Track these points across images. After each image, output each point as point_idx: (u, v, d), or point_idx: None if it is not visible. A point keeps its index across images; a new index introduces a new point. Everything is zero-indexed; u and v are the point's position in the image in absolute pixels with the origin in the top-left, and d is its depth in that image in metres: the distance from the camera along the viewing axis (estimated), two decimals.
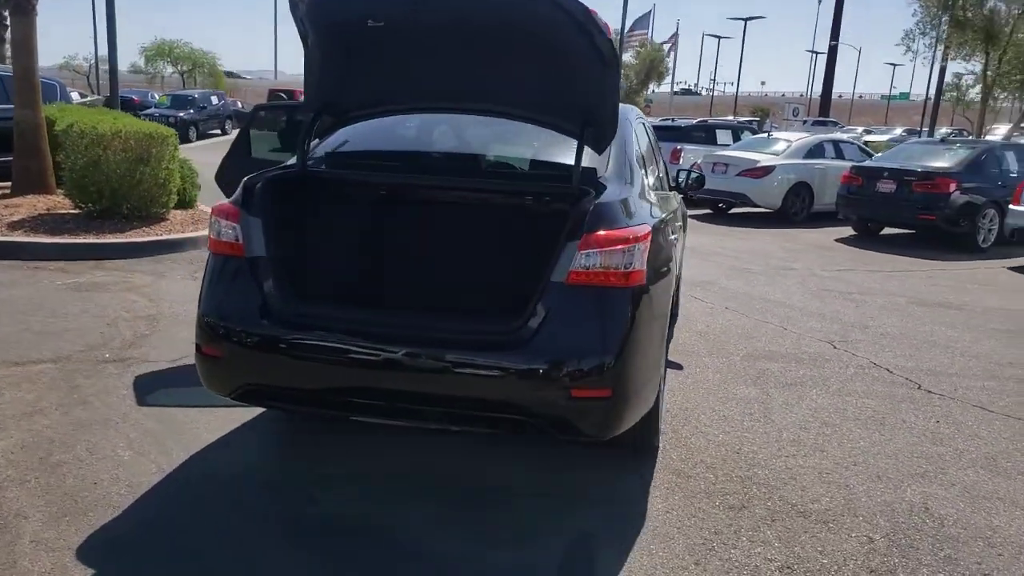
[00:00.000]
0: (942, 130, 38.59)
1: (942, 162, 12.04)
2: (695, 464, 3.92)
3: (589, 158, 3.59)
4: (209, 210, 10.14)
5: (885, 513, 3.51)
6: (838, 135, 18.06)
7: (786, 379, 5.35)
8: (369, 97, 3.91)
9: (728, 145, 16.74)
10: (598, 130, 3.53)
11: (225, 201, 3.52)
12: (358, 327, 3.24)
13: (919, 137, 37.83)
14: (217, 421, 4.13)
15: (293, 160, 3.91)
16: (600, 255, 3.07)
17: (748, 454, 4.08)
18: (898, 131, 41.26)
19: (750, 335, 6.44)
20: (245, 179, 3.55)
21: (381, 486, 3.54)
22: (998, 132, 32.23)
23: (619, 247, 3.09)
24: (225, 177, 5.40)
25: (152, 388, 4.60)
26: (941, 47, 29.37)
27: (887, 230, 13.17)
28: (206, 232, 9.20)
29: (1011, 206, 10.76)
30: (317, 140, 4.05)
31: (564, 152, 3.78)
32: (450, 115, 4.22)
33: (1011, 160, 12.35)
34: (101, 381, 4.65)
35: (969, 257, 11.31)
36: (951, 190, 11.38)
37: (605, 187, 3.42)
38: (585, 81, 3.42)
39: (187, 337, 5.48)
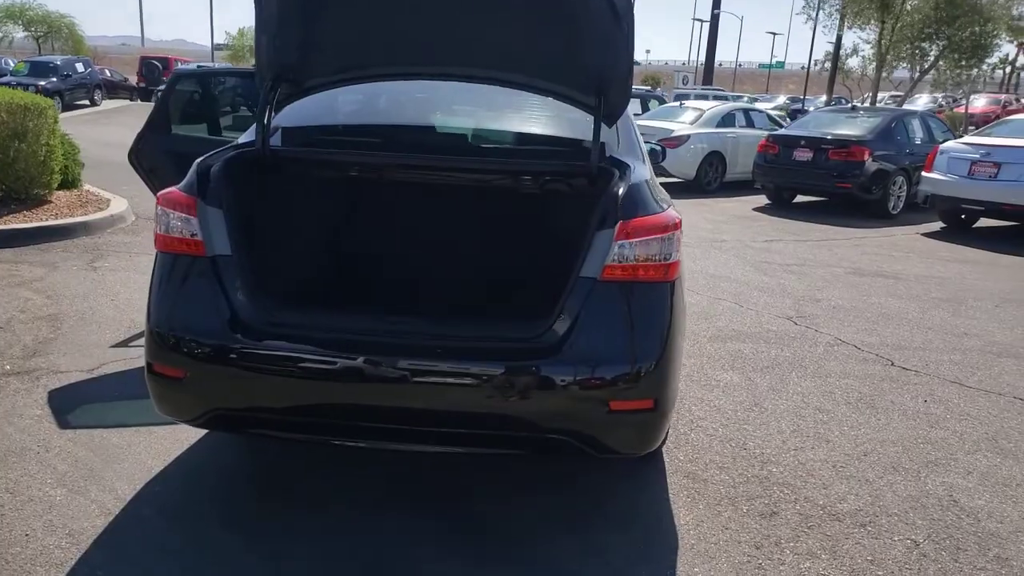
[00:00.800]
0: (822, 98, 40.03)
1: (855, 130, 12.23)
2: (705, 465, 3.62)
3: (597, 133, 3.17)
4: (94, 190, 9.20)
5: (916, 510, 3.31)
6: (746, 104, 18.24)
7: (761, 362, 5.14)
8: (336, 61, 3.35)
9: (637, 115, 16.62)
10: (612, 97, 3.10)
11: (173, 188, 2.92)
12: (351, 337, 2.74)
13: (802, 105, 39.11)
14: (161, 442, 3.53)
15: (244, 137, 3.32)
16: (639, 245, 2.68)
17: (755, 449, 3.81)
18: (781, 99, 42.57)
19: (708, 314, 6.21)
20: (198, 162, 2.97)
21: (368, 513, 3.06)
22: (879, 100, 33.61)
23: (659, 236, 2.70)
24: (142, 157, 4.70)
25: (72, 406, 3.93)
26: (838, 16, 30.29)
27: (799, 198, 13.34)
28: (100, 215, 8.31)
29: (924, 173, 11.01)
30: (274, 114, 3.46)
31: (570, 125, 3.35)
32: (432, 82, 3.69)
33: (916, 128, 12.68)
34: (7, 400, 3.94)
35: (881, 224, 11.55)
36: (865, 158, 11.57)
37: (627, 166, 3.01)
38: (595, 38, 2.97)
39: (99, 340, 4.79)
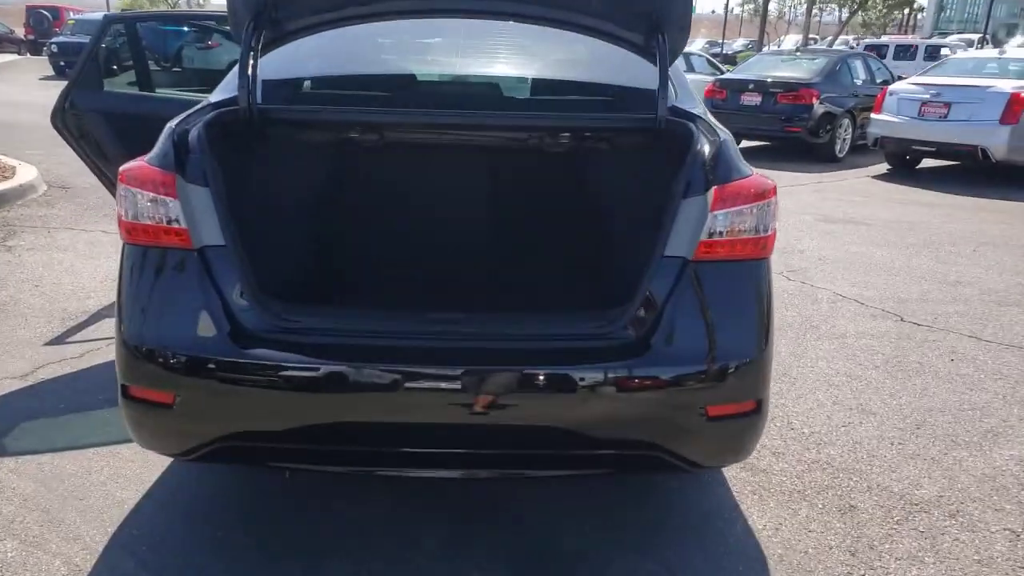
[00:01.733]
0: (740, 41, 40.16)
1: (802, 73, 12.00)
2: (759, 452, 3.24)
3: (650, 78, 2.67)
4: None
5: (999, 492, 3.01)
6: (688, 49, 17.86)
7: None
8: None
9: None
10: (672, 35, 2.60)
11: (140, 162, 2.30)
12: (386, 341, 2.21)
13: (720, 49, 39.14)
14: (128, 465, 2.93)
15: (218, 94, 2.69)
16: (737, 216, 2.22)
17: (802, 428, 3.46)
18: (700, 43, 42.51)
19: None
20: (171, 127, 2.35)
21: (390, 539, 2.56)
22: (789, 41, 33.85)
23: (758, 203, 2.25)
24: (69, 119, 3.96)
25: (7, 425, 3.26)
26: None
27: (744, 143, 13.11)
28: (6, 185, 7.27)
29: (873, 115, 10.87)
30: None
31: (616, 70, 2.83)
32: (444, 22, 3.10)
33: (860, 70, 12.54)
34: None
35: (829, 168, 11.41)
36: (814, 101, 11.37)
37: (698, 117, 2.53)
38: None
39: (29, 337, 4.06)
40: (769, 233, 2.27)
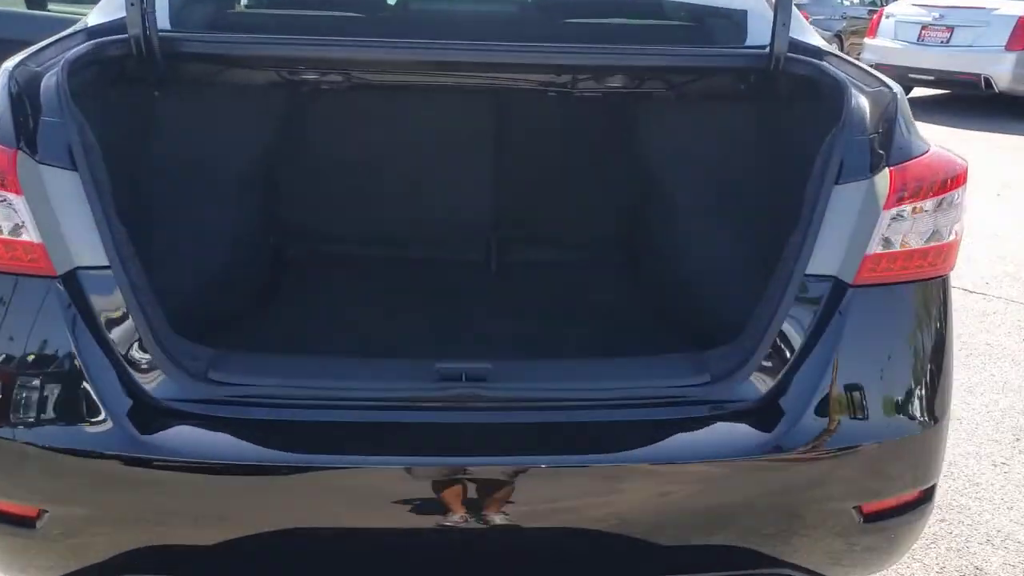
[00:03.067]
0: None
1: None
2: None
3: None
4: None
5: None
6: None
7: None
8: None
9: None
10: None
11: None
12: (372, 411, 1.44)
13: None
14: None
15: (96, 16, 1.79)
16: (922, 213, 1.45)
17: None
18: None
19: None
20: (8, 69, 1.47)
21: None
22: None
23: (947, 194, 1.48)
24: None
25: None
26: None
27: None
28: None
29: (867, 40, 10.08)
30: None
31: None
32: None
33: None
34: None
35: None
36: None
37: (838, 58, 1.74)
38: None
39: None
40: (953, 238, 1.51)
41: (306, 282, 2.45)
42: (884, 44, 9.86)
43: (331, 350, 1.97)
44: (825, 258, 1.45)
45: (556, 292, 2.47)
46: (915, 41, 9.56)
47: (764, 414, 1.45)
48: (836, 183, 1.45)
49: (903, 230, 1.44)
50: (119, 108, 1.68)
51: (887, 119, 1.49)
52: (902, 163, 1.45)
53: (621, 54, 1.76)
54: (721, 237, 2.13)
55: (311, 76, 1.99)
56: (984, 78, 9.06)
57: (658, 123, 2.18)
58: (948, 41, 9.31)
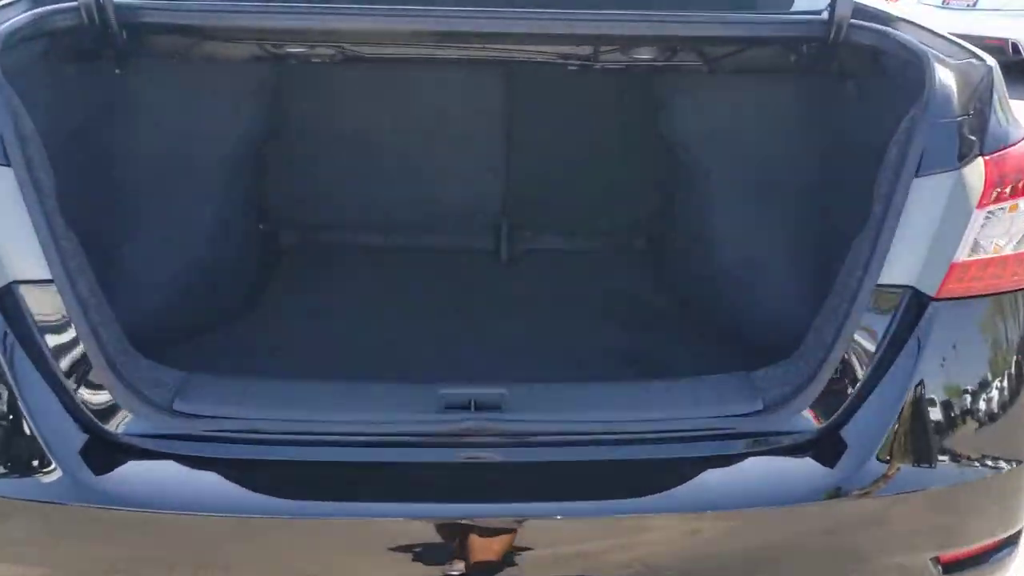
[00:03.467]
0: None
1: None
2: None
3: None
4: None
5: None
6: None
7: None
8: None
9: None
10: None
11: None
12: (366, 446, 1.24)
13: None
14: None
15: None
16: (1017, 216, 1.23)
17: None
18: None
19: None
20: None
21: None
22: None
23: None
24: None
25: None
26: None
27: None
28: None
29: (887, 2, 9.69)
30: None
31: None
32: None
33: None
34: None
35: None
36: None
37: (913, 25, 1.51)
38: None
39: None
40: None
41: (299, 276, 2.25)
42: (906, 8, 9.47)
43: (323, 359, 1.77)
44: (901, 266, 1.22)
45: (573, 285, 2.26)
46: (940, 5, 9.18)
47: (824, 448, 1.24)
48: (916, 175, 1.22)
49: (997, 232, 1.21)
50: (71, 90, 1.45)
51: (979, 98, 1.25)
52: (999, 151, 1.21)
53: (655, 21, 1.51)
54: (762, 230, 1.91)
55: (299, 49, 1.75)
56: (1012, 43, 8.69)
57: (690, 100, 1.94)
58: (975, 4, 8.95)
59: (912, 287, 1.22)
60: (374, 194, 2.30)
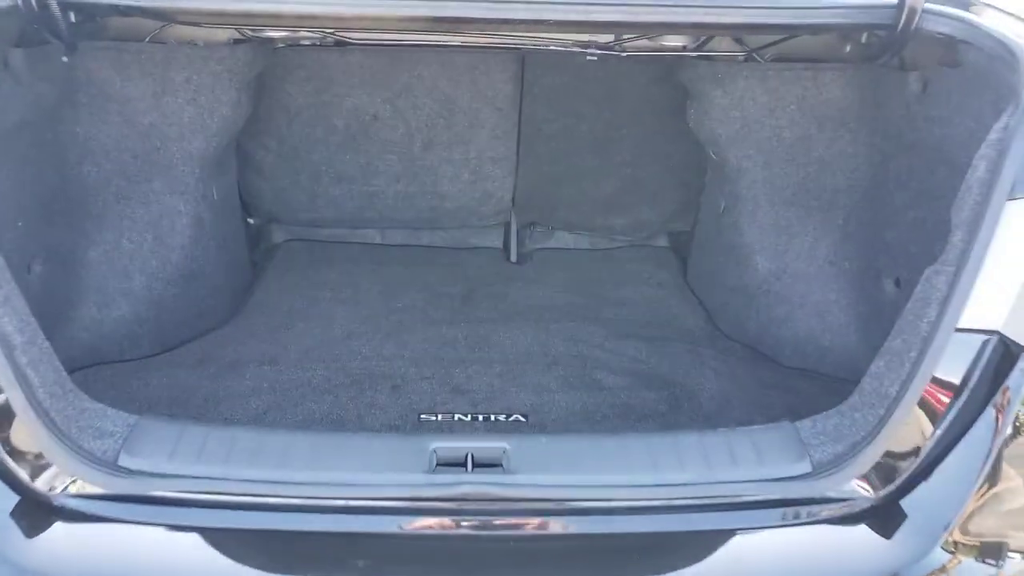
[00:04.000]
0: None
1: None
2: None
3: None
4: None
5: None
6: None
7: None
8: None
9: None
10: None
11: None
12: (358, 515, 1.05)
13: None
14: None
15: None
16: None
17: None
18: None
19: None
20: None
21: None
22: None
23: None
24: None
25: None
26: None
27: None
28: None
29: None
30: None
31: None
32: None
33: None
34: None
35: None
36: None
37: (989, 7, 1.29)
38: None
39: None
40: None
41: (289, 277, 2.07)
42: None
43: (310, 378, 1.59)
44: (987, 307, 1.02)
45: (588, 289, 2.06)
46: None
47: (880, 522, 1.05)
48: (1010, 198, 1.01)
49: None
50: (11, 80, 1.26)
51: None
52: None
53: (689, 6, 1.29)
54: (801, 238, 1.71)
55: (281, 32, 1.55)
56: None
57: (724, 92, 1.72)
58: None
59: (999, 333, 1.02)
60: (372, 187, 2.11)
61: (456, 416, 1.49)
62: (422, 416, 1.50)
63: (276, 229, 2.28)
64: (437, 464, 1.05)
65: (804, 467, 1.07)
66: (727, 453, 1.11)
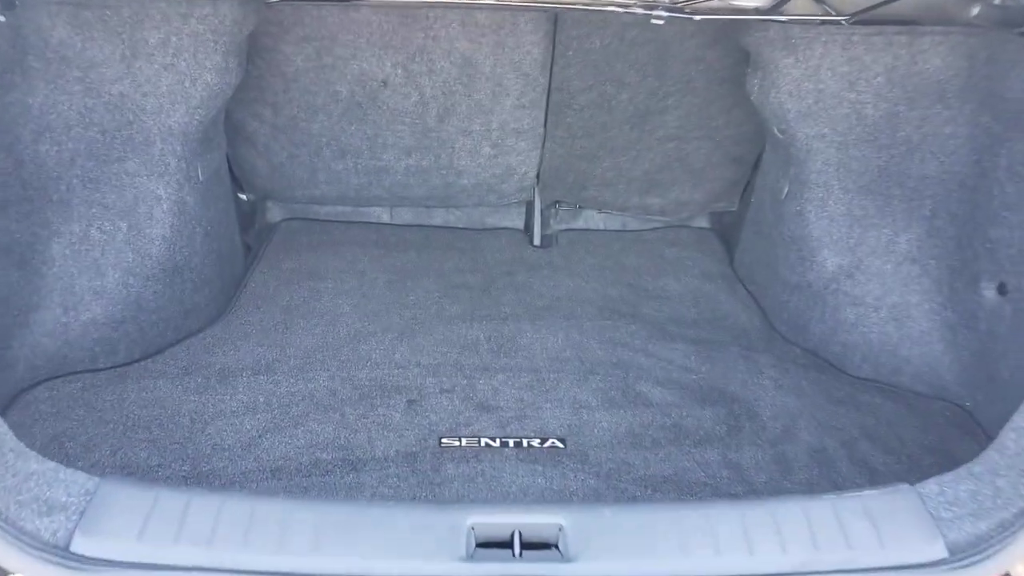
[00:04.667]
0: None
1: None
2: None
3: None
4: None
5: None
6: None
7: None
8: None
9: None
10: None
11: None
12: None
13: None
14: None
15: None
16: None
17: None
18: None
19: None
20: None
21: None
22: None
23: None
24: None
25: None
26: None
27: None
28: None
29: None
30: None
31: None
32: None
33: None
34: None
35: None
36: None
37: None
38: None
39: None
40: None
41: (286, 263, 1.84)
42: None
43: (309, 397, 1.38)
44: None
45: (622, 278, 1.84)
46: None
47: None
48: None
49: None
50: None
51: None
52: None
53: None
54: (878, 231, 1.49)
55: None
56: None
57: (798, 59, 1.47)
58: None
59: None
60: (379, 162, 1.87)
61: (483, 441, 1.32)
62: (443, 441, 1.31)
63: (272, 207, 2.05)
64: (476, 545, 0.84)
65: (938, 551, 0.85)
66: (838, 529, 0.89)
